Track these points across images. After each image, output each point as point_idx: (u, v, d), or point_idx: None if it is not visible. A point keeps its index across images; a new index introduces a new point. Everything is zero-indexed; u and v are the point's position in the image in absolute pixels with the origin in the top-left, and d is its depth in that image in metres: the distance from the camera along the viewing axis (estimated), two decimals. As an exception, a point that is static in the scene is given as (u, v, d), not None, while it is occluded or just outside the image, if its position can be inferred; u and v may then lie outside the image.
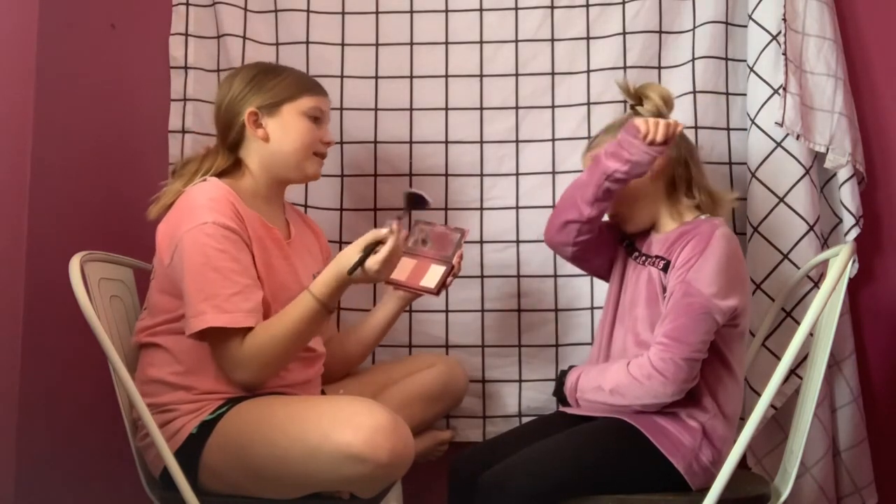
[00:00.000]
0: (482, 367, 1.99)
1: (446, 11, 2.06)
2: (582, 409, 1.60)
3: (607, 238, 1.71)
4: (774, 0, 1.88)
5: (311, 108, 1.67)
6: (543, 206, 1.99)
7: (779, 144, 1.85)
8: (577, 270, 1.83)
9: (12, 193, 1.90)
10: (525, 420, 1.96)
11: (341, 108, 2.02)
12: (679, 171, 1.63)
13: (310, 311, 1.51)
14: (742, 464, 1.71)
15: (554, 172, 2.01)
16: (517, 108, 2.03)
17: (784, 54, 1.85)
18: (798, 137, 1.83)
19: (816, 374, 1.51)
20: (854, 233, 1.86)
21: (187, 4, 2.06)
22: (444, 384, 1.84)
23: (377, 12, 2.06)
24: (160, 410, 1.51)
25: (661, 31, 2.00)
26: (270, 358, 1.50)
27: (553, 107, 2.03)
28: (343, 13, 2.07)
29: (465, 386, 1.91)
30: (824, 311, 1.48)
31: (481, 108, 2.04)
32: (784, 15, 1.86)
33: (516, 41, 2.04)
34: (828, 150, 1.85)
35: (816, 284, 1.81)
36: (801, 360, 1.74)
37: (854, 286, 1.95)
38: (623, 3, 2.02)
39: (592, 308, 1.97)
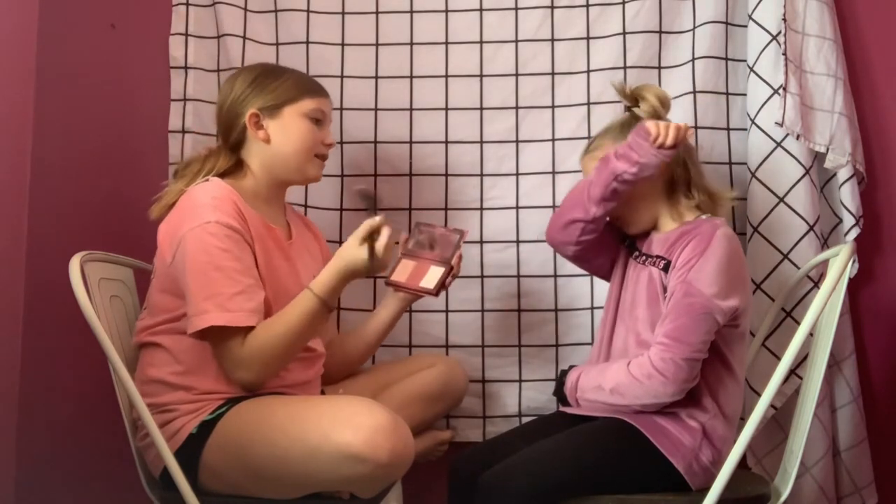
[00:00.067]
0: (482, 367, 1.99)
1: (446, 11, 2.06)
2: (582, 408, 1.60)
3: (608, 238, 1.71)
4: (774, 0, 1.88)
5: (313, 109, 1.67)
6: (543, 206, 1.99)
7: (779, 144, 1.85)
8: (578, 270, 1.83)
9: (12, 193, 1.90)
10: (525, 420, 1.96)
11: (341, 108, 2.02)
12: (678, 171, 1.63)
13: (311, 310, 1.52)
14: (742, 464, 1.71)
15: (554, 172, 2.01)
16: (517, 108, 2.03)
17: (784, 54, 1.85)
18: (798, 137, 1.83)
19: (816, 374, 1.51)
20: (854, 233, 1.86)
21: (187, 4, 2.06)
22: (444, 384, 1.84)
23: (377, 12, 2.07)
24: (160, 410, 1.51)
25: (661, 31, 2.00)
26: (271, 357, 1.50)
27: (553, 107, 2.03)
28: (343, 13, 2.07)
29: (465, 386, 1.91)
30: (824, 311, 1.48)
31: (481, 108, 2.04)
32: (784, 15, 1.86)
33: (516, 41, 2.04)
34: (828, 150, 1.85)
35: (816, 284, 1.81)
36: (801, 360, 1.74)
37: (854, 286, 1.95)
38: (623, 3, 2.02)
39: (592, 308, 1.97)
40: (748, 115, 1.92)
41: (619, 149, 1.57)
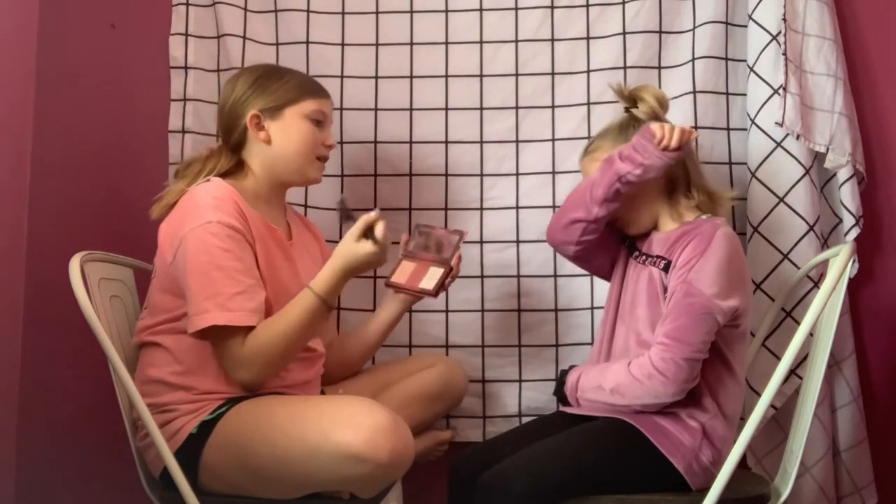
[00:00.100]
0: (482, 367, 1.99)
1: (446, 11, 2.06)
2: (582, 408, 1.60)
3: (609, 238, 1.71)
4: (774, 0, 1.88)
5: (314, 111, 1.67)
6: (543, 206, 1.99)
7: (779, 144, 1.85)
8: (578, 270, 1.83)
9: (12, 193, 1.90)
10: (525, 420, 1.96)
11: (341, 108, 2.02)
12: (677, 172, 1.63)
13: (311, 309, 1.52)
14: (742, 464, 1.71)
15: (554, 172, 2.01)
16: (517, 108, 2.03)
17: (784, 54, 1.85)
18: (798, 137, 1.83)
19: (816, 374, 1.51)
20: (854, 233, 1.86)
21: (187, 4, 2.06)
22: (444, 384, 1.84)
23: (377, 12, 2.07)
24: (160, 410, 1.51)
25: (661, 31, 2.00)
26: (272, 357, 1.50)
27: (553, 107, 2.03)
28: (343, 13, 2.07)
29: (465, 386, 1.91)
30: (824, 311, 1.48)
31: (481, 108, 2.04)
32: (784, 15, 1.86)
33: (516, 41, 2.04)
34: (828, 150, 1.85)
35: (816, 284, 1.81)
36: (801, 360, 1.74)
37: (854, 286, 1.95)
38: (623, 3, 2.02)
39: (592, 308, 1.97)
40: (748, 115, 1.92)
41: (624, 150, 1.58)
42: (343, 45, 2.06)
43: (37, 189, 1.95)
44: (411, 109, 2.04)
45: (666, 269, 1.56)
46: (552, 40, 2.04)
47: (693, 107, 1.95)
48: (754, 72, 1.90)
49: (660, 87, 1.98)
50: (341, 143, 2.01)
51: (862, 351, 1.97)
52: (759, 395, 1.45)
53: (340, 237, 1.59)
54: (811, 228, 1.83)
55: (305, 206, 2.01)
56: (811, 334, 1.52)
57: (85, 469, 1.93)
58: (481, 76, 2.04)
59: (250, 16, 2.06)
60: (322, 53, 2.05)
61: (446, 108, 2.04)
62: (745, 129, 1.94)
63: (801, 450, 1.50)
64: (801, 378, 1.73)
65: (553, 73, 2.03)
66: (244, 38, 2.04)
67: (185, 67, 2.05)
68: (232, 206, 1.53)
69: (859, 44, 2.01)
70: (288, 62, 2.01)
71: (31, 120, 1.95)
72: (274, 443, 1.42)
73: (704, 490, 1.43)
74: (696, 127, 1.94)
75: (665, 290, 1.55)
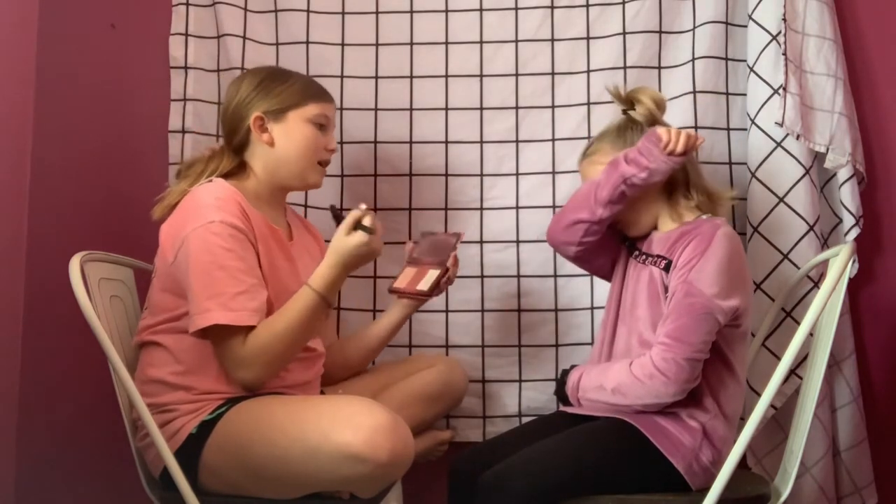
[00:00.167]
0: (482, 367, 1.99)
1: (446, 11, 2.06)
2: (583, 408, 1.60)
3: (609, 238, 1.71)
4: (774, 0, 1.88)
5: (317, 115, 1.67)
6: (543, 206, 1.99)
7: (779, 144, 1.85)
8: (578, 270, 1.83)
9: (12, 193, 1.90)
10: (525, 420, 1.96)
11: (341, 108, 2.02)
12: (677, 172, 1.63)
13: (310, 306, 1.52)
14: (742, 464, 1.71)
15: (554, 172, 2.01)
16: (517, 108, 2.03)
17: (784, 54, 1.85)
18: (798, 137, 1.83)
19: (816, 374, 1.51)
20: (854, 233, 1.86)
21: (187, 4, 2.06)
22: (444, 384, 1.84)
23: (377, 12, 2.07)
24: (160, 410, 1.51)
25: (661, 31, 2.00)
26: (272, 356, 1.50)
27: (553, 107, 2.03)
28: (343, 13, 2.07)
29: (465, 386, 1.91)
30: (824, 311, 1.48)
31: (481, 108, 2.04)
32: (784, 15, 1.86)
33: (516, 41, 2.04)
34: (828, 150, 1.85)
35: (816, 284, 1.81)
36: (801, 360, 1.74)
37: (854, 286, 1.95)
38: (623, 3, 2.02)
39: (592, 308, 1.97)
40: (748, 115, 1.92)
41: (630, 153, 1.58)
42: (343, 45, 2.06)
43: (37, 189, 1.94)
44: (411, 109, 2.04)
45: (667, 268, 1.57)
46: (552, 40, 2.04)
47: (693, 107, 1.95)
48: (754, 72, 1.90)
49: (660, 87, 1.99)
50: (341, 143, 2.01)
51: (862, 351, 1.97)
52: (759, 395, 1.45)
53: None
54: (811, 228, 1.82)
55: (305, 206, 2.01)
56: (811, 334, 1.52)
57: (85, 469, 1.93)
58: (481, 76, 2.04)
59: (250, 16, 2.06)
60: (322, 53, 2.05)
61: (446, 108, 2.04)
62: (745, 129, 1.94)
63: (801, 450, 1.50)
64: (801, 378, 1.73)
65: (553, 73, 2.03)
66: (244, 38, 2.04)
67: (185, 67, 2.05)
68: (235, 206, 1.53)
69: (859, 44, 2.01)
70: (288, 62, 2.01)
71: (31, 120, 1.94)
72: (274, 443, 1.42)
73: (704, 490, 1.43)
74: (696, 127, 1.94)
75: (666, 289, 1.55)
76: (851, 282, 1.85)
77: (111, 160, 2.03)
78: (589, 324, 1.98)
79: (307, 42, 2.05)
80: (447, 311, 2.00)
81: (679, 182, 1.64)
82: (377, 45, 2.06)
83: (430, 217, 2.01)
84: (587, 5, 2.03)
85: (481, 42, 2.05)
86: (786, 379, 1.56)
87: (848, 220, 1.87)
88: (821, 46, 1.88)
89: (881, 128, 2.00)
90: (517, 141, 2.03)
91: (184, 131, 2.03)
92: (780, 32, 1.86)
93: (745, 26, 1.95)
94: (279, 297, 1.56)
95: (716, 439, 1.50)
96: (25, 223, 1.93)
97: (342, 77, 2.05)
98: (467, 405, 1.96)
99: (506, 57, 2.04)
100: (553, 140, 2.02)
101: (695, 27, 1.98)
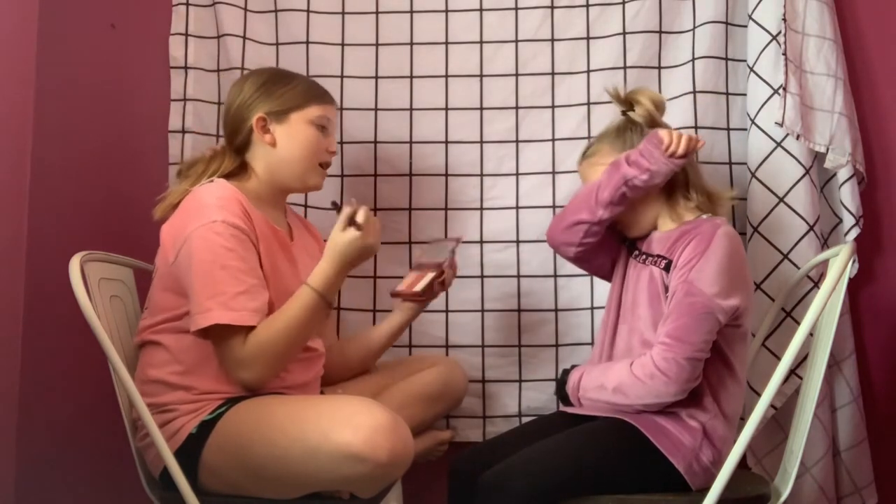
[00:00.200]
0: (482, 367, 1.99)
1: (446, 11, 2.06)
2: (584, 408, 1.60)
3: (609, 238, 1.71)
4: (774, 0, 1.88)
5: (319, 116, 1.67)
6: (543, 206, 1.99)
7: (779, 144, 1.85)
8: (578, 270, 1.83)
9: (12, 193, 1.90)
10: (525, 420, 1.96)
11: (341, 109, 2.02)
12: (677, 173, 1.63)
13: (310, 305, 1.52)
14: (742, 464, 1.71)
15: (554, 172, 2.01)
16: (517, 108, 2.03)
17: (784, 54, 1.85)
18: (798, 137, 1.83)
19: (816, 374, 1.51)
20: (854, 233, 1.86)
21: (187, 4, 2.06)
22: (444, 384, 1.84)
23: (377, 12, 2.07)
24: (160, 410, 1.51)
25: (661, 31, 2.00)
26: (272, 356, 1.50)
27: (553, 107, 2.03)
28: (343, 13, 2.07)
29: (465, 386, 1.91)
30: (824, 311, 1.48)
31: (481, 108, 2.04)
32: (784, 15, 1.86)
33: (516, 41, 2.04)
34: (828, 150, 1.85)
35: (816, 284, 1.81)
36: (801, 360, 1.74)
37: (854, 286, 1.95)
38: (623, 3, 2.02)
39: (592, 308, 1.98)
40: (748, 115, 1.92)
41: (631, 154, 1.58)
42: (343, 45, 2.06)
43: (37, 189, 1.94)
44: (411, 109, 2.04)
45: (667, 268, 1.57)
46: (552, 40, 2.04)
47: (693, 107, 1.95)
48: (754, 72, 1.90)
49: (660, 87, 1.99)
50: (341, 143, 2.01)
51: (862, 351, 1.97)
52: (759, 395, 1.45)
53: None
54: (811, 228, 1.83)
55: (305, 206, 2.01)
56: (811, 334, 1.52)
57: (85, 469, 1.93)
58: (481, 76, 2.04)
59: (250, 16, 2.06)
60: (322, 53, 2.05)
61: (446, 108, 2.04)
62: (745, 129, 1.94)
63: (801, 450, 1.50)
64: (801, 378, 1.73)
65: (553, 73, 2.03)
66: (244, 38, 2.04)
67: (185, 67, 2.05)
68: (236, 206, 1.53)
69: (859, 44, 2.01)
70: (288, 62, 2.01)
71: (31, 120, 1.95)
72: (273, 442, 1.42)
73: (704, 490, 1.43)
74: (696, 127, 1.94)
75: (666, 289, 1.55)
76: (851, 282, 1.85)
77: (111, 160, 2.03)
78: (589, 324, 1.98)
79: (307, 42, 2.05)
80: (447, 312, 2.00)
81: (679, 182, 1.64)
82: (377, 45, 2.06)
83: (430, 217, 2.01)
84: (587, 5, 2.03)
85: (481, 42, 2.05)
86: (786, 379, 1.56)
87: (848, 220, 1.88)
88: (821, 46, 1.88)
89: (881, 128, 2.00)
90: (517, 141, 2.03)
91: (184, 131, 2.03)
92: (780, 32, 1.86)
93: (745, 26, 1.95)
94: (280, 297, 1.56)
95: (716, 439, 1.50)
96: (25, 223, 1.93)
97: (342, 77, 2.05)
98: (467, 405, 1.96)
99: (506, 57, 2.04)
100: (553, 140, 2.02)
101: (695, 27, 1.98)
